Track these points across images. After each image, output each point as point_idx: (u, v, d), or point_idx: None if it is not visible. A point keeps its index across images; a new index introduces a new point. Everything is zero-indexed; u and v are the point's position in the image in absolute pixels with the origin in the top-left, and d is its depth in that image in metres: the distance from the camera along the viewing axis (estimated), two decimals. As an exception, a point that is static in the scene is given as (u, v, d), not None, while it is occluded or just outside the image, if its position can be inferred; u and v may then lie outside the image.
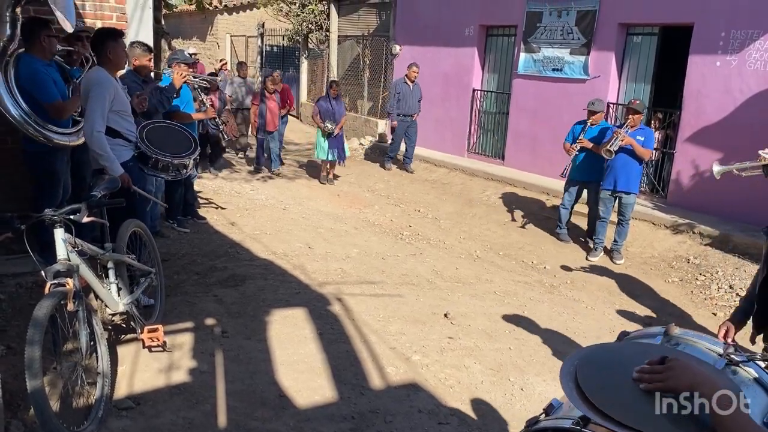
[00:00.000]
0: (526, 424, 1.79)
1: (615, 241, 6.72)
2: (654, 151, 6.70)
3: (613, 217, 6.77)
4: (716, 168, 4.49)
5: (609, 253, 6.81)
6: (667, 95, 8.40)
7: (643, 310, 5.52)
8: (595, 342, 4.71)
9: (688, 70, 7.62)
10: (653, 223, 7.35)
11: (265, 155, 10.03)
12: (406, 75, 10.30)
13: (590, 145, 6.74)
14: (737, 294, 5.69)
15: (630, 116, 6.39)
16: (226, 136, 8.23)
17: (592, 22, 8.55)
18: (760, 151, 4.35)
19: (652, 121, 8.25)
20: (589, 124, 6.92)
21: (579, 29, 8.74)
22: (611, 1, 8.33)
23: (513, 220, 8.11)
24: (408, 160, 10.57)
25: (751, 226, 6.80)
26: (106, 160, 3.96)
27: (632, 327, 5.09)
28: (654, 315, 5.45)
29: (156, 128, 4.67)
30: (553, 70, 9.18)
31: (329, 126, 9.33)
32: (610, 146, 6.27)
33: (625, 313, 5.43)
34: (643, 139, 6.34)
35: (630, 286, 6.06)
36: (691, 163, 7.63)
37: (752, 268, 6.08)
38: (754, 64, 6.97)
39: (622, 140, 6.25)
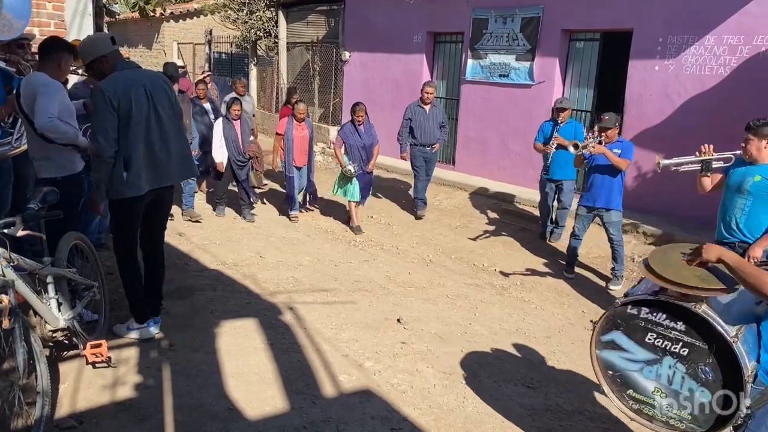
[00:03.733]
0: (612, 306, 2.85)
1: (613, 268, 6.23)
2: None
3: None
4: (663, 162, 4.69)
5: (607, 279, 6.38)
6: (609, 99, 8.64)
7: (590, 309, 5.64)
8: (544, 339, 4.81)
9: (629, 75, 7.85)
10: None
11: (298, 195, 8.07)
12: (420, 97, 8.20)
13: (566, 142, 6.53)
14: (680, 291, 5.86)
15: (603, 134, 5.96)
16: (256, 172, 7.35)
17: (536, 28, 8.73)
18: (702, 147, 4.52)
19: (595, 125, 8.44)
20: (559, 122, 6.96)
21: (524, 35, 8.91)
22: (554, 8, 8.53)
23: (464, 224, 8.19)
24: (420, 201, 8.40)
25: (691, 225, 7.04)
26: (71, 139, 3.90)
27: (581, 326, 5.22)
28: (602, 311, 5.56)
29: None
30: (500, 75, 9.33)
31: (352, 169, 7.30)
32: (581, 146, 5.92)
33: (573, 313, 5.54)
34: (619, 151, 5.92)
35: (577, 286, 6.19)
36: (634, 164, 7.83)
37: (693, 265, 6.28)
38: (690, 68, 7.23)
39: (593, 147, 5.87)
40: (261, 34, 14.99)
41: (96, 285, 3.97)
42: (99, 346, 3.58)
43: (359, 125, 7.47)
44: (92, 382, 3.55)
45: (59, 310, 3.49)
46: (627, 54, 7.87)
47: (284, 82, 14.51)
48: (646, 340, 2.70)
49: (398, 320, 4.87)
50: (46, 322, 3.42)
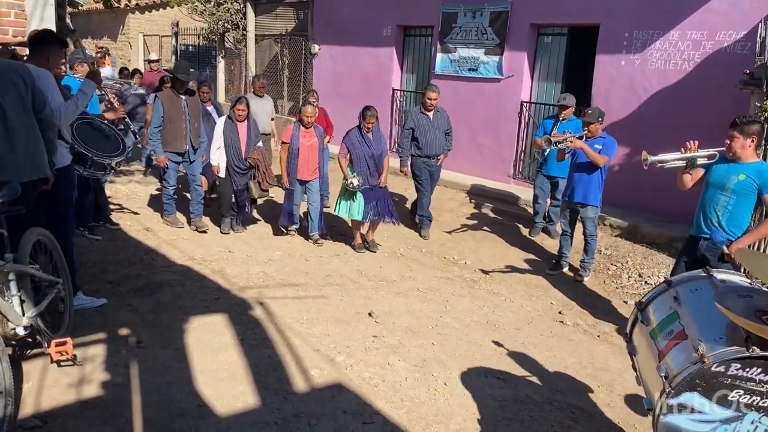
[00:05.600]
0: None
1: (582, 260, 6.26)
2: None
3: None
4: (649, 158, 4.53)
5: (574, 268, 6.45)
6: (577, 93, 8.71)
7: (558, 301, 5.72)
8: (514, 331, 4.85)
9: (596, 69, 7.95)
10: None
11: (301, 214, 7.06)
12: (421, 103, 7.41)
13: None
14: (646, 282, 5.98)
15: (585, 129, 5.98)
16: (259, 185, 6.65)
17: (505, 22, 8.78)
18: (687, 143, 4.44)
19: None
20: (560, 118, 6.95)
21: (493, 30, 8.95)
22: (522, 2, 8.58)
23: (434, 217, 8.20)
24: (425, 220, 7.52)
25: (656, 218, 7.17)
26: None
27: (549, 317, 5.28)
28: (570, 303, 5.64)
29: (81, 126, 4.50)
30: (469, 70, 9.37)
31: (355, 182, 6.32)
32: (554, 139, 5.84)
33: (541, 304, 5.61)
34: (600, 147, 5.87)
35: (546, 278, 6.26)
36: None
37: (659, 257, 6.41)
38: (655, 63, 7.35)
39: (571, 142, 5.79)
40: (229, 27, 14.81)
41: (60, 281, 3.89)
42: (64, 343, 3.50)
43: (367, 132, 6.48)
44: (57, 380, 3.48)
45: (22, 308, 3.41)
46: (594, 48, 7.96)
47: (252, 75, 14.37)
48: (729, 398, 2.45)
49: (369, 314, 4.87)
50: (8, 320, 3.34)
